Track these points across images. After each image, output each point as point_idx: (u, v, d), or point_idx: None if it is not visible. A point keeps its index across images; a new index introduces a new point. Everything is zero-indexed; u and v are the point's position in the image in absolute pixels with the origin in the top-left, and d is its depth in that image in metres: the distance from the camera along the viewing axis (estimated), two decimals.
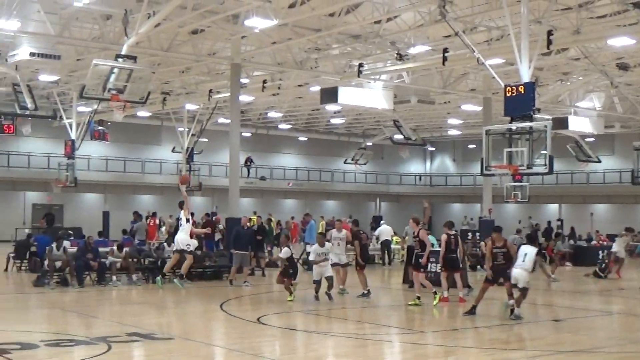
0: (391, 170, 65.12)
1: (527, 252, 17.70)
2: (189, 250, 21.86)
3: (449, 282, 20.78)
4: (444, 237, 21.02)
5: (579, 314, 19.25)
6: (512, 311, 17.52)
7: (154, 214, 36.05)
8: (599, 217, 53.32)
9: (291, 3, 25.07)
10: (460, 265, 21.61)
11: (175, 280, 22.38)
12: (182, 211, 22.02)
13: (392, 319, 18.32)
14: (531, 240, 21.88)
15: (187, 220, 21.88)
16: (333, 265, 20.59)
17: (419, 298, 19.54)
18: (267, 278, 26.36)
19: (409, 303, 19.59)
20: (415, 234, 20.29)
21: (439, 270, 21.46)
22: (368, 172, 60.86)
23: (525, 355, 13.64)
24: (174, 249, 22.26)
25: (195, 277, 25.16)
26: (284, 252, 20.32)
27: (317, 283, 19.97)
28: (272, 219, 39.15)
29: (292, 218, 46.80)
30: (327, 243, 20.58)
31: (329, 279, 20.13)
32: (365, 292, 21.02)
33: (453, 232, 21.62)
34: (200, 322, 17.19)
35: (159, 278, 22.38)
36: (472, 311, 17.90)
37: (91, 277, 23.52)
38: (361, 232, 22.68)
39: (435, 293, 19.91)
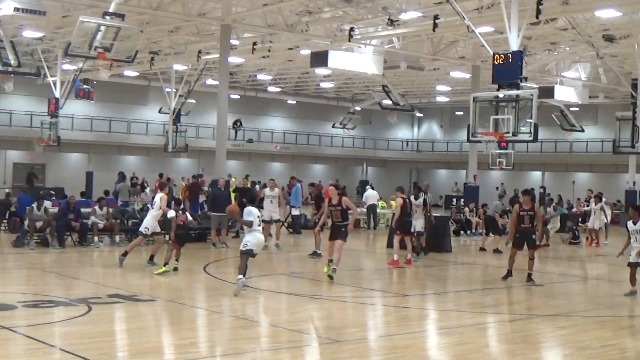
0: (379, 135, 65.23)
1: None
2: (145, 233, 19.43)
3: (402, 244, 21.12)
4: (399, 201, 21.23)
5: (558, 279, 19.57)
6: (529, 275, 18.07)
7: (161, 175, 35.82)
8: (581, 185, 53.69)
9: None
10: (416, 230, 21.83)
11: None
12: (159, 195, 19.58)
13: (375, 283, 18.57)
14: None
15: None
16: (265, 222, 20.84)
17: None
18: None
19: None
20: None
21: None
22: (356, 136, 60.93)
23: (503, 319, 13.93)
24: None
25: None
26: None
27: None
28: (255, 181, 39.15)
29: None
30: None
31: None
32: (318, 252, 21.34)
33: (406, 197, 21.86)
34: (183, 284, 17.23)
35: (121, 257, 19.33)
36: (508, 275, 18.29)
37: (72, 238, 23.38)
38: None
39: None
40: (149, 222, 19.16)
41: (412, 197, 21.97)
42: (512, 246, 18.39)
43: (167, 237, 19.77)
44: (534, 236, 18.18)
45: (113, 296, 14.51)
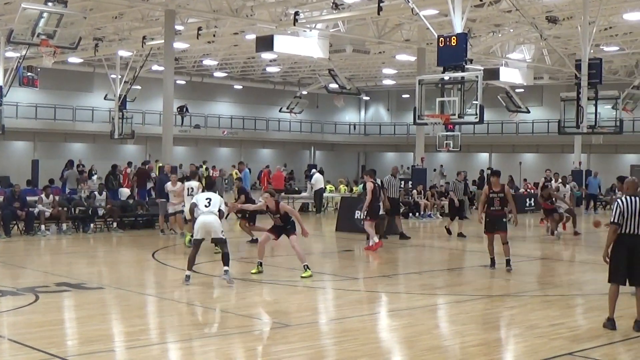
0: (326, 119, 65.27)
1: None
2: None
3: (375, 228, 21.01)
4: (370, 185, 21.05)
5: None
6: (507, 262, 17.32)
7: (129, 164, 35.50)
8: (527, 166, 54.37)
9: None
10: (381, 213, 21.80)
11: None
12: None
13: (325, 266, 18.60)
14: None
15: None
16: (171, 214, 21.60)
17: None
18: None
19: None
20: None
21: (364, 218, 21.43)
22: (303, 120, 60.90)
23: (452, 300, 14.05)
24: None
25: (127, 225, 25.16)
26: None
27: None
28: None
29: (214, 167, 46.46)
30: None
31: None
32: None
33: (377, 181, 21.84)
34: (131, 271, 17.18)
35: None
36: (492, 263, 17.48)
37: (19, 226, 23.16)
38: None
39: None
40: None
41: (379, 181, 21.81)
42: (485, 231, 17.57)
43: None
44: (504, 219, 17.47)
45: (61, 284, 14.42)
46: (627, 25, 34.64)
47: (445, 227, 25.19)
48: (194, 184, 20.66)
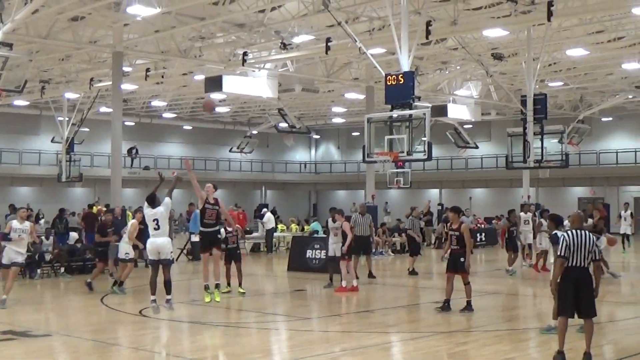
0: (276, 158, 65.29)
1: None
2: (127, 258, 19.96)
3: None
4: (347, 224, 20.70)
5: (460, 295, 19.81)
6: (468, 303, 16.63)
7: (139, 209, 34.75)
8: (477, 200, 54.85)
9: None
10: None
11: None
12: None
13: (277, 307, 18.49)
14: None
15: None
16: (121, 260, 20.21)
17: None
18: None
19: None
20: (340, 225, 20.52)
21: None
22: (254, 160, 60.87)
23: (405, 337, 14.01)
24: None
25: (75, 270, 24.74)
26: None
27: None
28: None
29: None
30: None
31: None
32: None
33: None
34: (80, 317, 16.83)
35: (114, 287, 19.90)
36: (445, 306, 16.61)
37: None
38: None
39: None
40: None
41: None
42: (446, 270, 16.89)
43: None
44: (462, 259, 16.41)
45: (6, 332, 14.04)
46: (571, 61, 35.29)
47: (409, 269, 24.93)
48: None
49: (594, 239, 11.47)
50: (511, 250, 25.40)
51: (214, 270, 17.23)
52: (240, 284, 19.46)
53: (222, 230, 19.11)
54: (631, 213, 33.48)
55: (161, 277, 15.00)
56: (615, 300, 19.14)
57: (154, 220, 15.02)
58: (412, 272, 24.52)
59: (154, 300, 14.84)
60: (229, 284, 19.64)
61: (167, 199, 15.46)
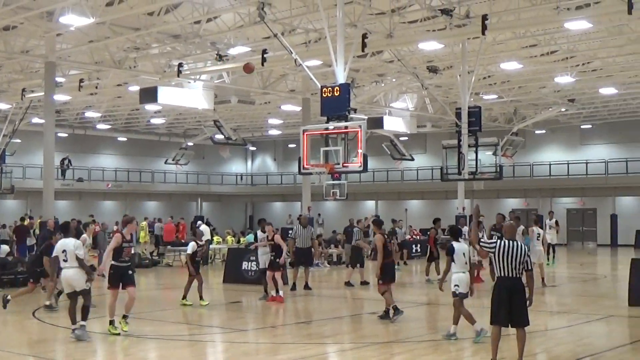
0: (212, 170, 65.04)
1: None
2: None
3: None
4: (278, 237, 20.79)
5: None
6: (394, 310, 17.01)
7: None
8: (413, 212, 55.30)
9: (109, 1, 24.70)
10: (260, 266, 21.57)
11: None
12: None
13: (213, 319, 18.39)
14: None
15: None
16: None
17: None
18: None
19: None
20: (270, 237, 20.47)
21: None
22: (189, 172, 60.55)
23: (341, 348, 14.05)
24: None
25: (7, 283, 24.25)
26: (191, 247, 20.01)
27: None
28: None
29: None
30: None
31: None
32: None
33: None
34: (11, 332, 16.51)
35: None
36: (387, 314, 17.03)
37: None
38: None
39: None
40: None
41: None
42: (383, 282, 17.06)
43: None
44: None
45: None
46: (505, 74, 35.82)
47: (346, 281, 24.98)
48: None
49: (526, 249, 11.65)
50: (432, 260, 26.36)
51: (112, 305, 15.26)
52: (201, 297, 19.71)
53: (193, 243, 19.75)
54: (556, 221, 32.64)
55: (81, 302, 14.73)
56: (548, 310, 19.45)
57: (63, 251, 14.62)
58: (348, 284, 24.57)
59: (74, 330, 14.43)
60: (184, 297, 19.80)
61: (78, 242, 14.90)
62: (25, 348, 14.55)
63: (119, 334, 14.68)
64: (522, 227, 24.21)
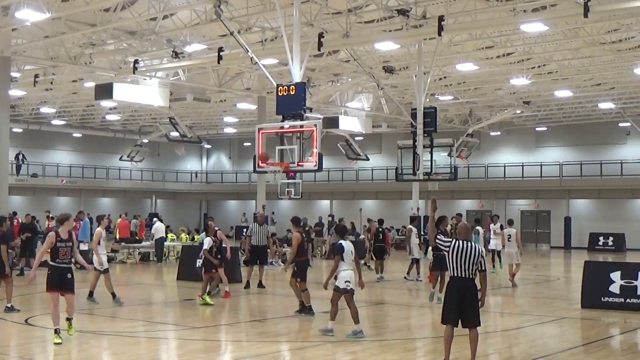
0: (167, 168, 64.80)
1: None
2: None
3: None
4: (220, 233, 21.01)
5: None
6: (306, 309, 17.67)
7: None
8: (368, 212, 55.44)
9: None
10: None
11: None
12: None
13: (167, 316, 18.39)
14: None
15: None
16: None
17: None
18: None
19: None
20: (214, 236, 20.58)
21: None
22: (144, 169, 60.27)
23: (294, 347, 14.14)
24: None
25: None
26: (207, 242, 20.22)
27: None
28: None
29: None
30: None
31: None
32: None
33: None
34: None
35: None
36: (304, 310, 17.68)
37: None
38: None
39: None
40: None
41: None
42: (301, 280, 17.80)
43: None
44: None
45: None
46: (460, 76, 36.15)
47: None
48: None
49: (480, 250, 11.78)
50: (378, 258, 27.11)
51: (53, 311, 14.01)
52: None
53: (209, 239, 20.18)
54: (501, 225, 29.91)
55: None
56: (501, 311, 19.71)
57: None
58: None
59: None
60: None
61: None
62: None
63: (61, 344, 13.64)
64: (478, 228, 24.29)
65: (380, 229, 28.34)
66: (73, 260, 14.49)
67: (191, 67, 31.53)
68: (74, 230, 15.18)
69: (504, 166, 53.62)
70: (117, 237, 36.01)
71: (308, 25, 24.60)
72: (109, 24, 26.61)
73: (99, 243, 19.05)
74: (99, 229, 19.44)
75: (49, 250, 14.00)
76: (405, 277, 26.67)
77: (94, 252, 19.20)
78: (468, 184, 52.43)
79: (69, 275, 14.15)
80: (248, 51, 22.71)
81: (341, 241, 14.81)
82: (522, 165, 52.85)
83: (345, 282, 14.52)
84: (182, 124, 38.78)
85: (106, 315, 17.38)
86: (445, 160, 32.99)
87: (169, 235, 36.02)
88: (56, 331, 13.75)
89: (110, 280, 19.28)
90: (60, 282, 14.03)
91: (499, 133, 53.43)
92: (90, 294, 19.32)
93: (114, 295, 19.13)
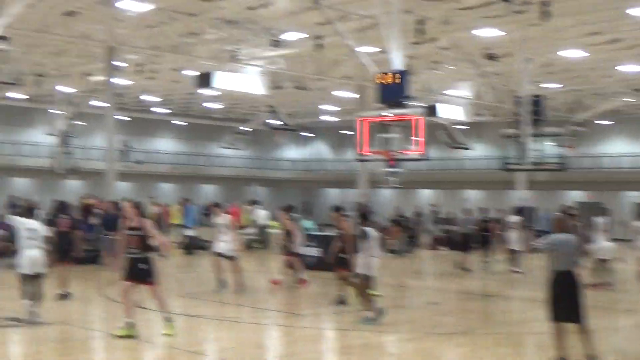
0: (268, 155, 65.32)
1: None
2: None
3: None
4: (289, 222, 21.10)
5: (453, 297, 19.86)
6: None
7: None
8: (472, 202, 54.69)
9: None
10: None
11: None
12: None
13: (272, 303, 18.62)
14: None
15: None
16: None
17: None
18: None
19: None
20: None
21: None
22: (245, 157, 60.94)
23: (402, 338, 14.05)
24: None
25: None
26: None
27: None
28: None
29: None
30: None
31: None
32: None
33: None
34: (79, 307, 16.85)
35: None
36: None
37: None
38: None
39: None
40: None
41: None
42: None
43: None
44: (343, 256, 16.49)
45: (10, 319, 14.05)
46: (565, 62, 35.14)
47: None
48: None
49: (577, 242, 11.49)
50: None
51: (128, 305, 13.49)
52: None
53: None
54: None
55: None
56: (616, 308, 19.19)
57: (29, 229, 14.20)
58: None
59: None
60: None
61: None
62: (91, 324, 14.80)
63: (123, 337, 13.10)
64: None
65: (486, 220, 27.91)
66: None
67: (290, 56, 31.61)
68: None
69: (617, 156, 51.59)
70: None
71: (406, 12, 24.26)
72: (209, 13, 26.91)
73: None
74: (228, 216, 19.74)
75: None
76: (512, 270, 26.07)
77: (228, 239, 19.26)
78: (577, 175, 50.62)
79: (142, 265, 13.27)
80: (346, 39, 22.56)
81: (364, 227, 14.91)
82: (635, 156, 50.89)
83: (369, 268, 14.66)
84: (282, 112, 38.99)
85: (214, 300, 17.61)
86: (552, 149, 32.12)
87: (271, 222, 36.25)
88: (129, 324, 13.14)
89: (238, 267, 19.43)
90: (131, 273, 13.31)
91: (609, 122, 51.60)
92: (222, 282, 19.35)
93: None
